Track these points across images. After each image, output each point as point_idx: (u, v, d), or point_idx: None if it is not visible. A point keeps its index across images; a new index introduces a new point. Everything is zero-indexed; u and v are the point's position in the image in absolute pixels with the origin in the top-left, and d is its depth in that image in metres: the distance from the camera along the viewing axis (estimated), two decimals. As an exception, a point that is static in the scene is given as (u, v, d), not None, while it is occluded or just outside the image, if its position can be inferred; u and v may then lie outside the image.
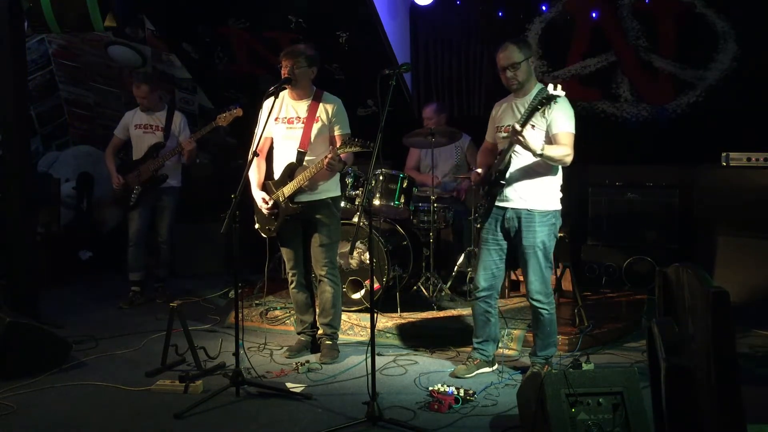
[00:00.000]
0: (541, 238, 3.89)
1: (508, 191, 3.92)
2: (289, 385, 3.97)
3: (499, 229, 4.00)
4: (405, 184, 5.15)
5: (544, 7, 6.37)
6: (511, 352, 4.56)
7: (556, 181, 3.97)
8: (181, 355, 4.34)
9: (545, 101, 3.62)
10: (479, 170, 4.12)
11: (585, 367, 4.00)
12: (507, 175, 3.88)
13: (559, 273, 5.19)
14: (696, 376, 1.91)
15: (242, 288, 5.37)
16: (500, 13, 6.54)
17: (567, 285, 5.19)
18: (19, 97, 5.13)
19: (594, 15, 6.28)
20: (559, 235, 5.31)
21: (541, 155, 3.73)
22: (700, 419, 1.91)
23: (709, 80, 6.09)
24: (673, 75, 6.21)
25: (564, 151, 3.78)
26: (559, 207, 3.99)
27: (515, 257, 4.06)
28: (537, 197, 3.90)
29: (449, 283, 5.47)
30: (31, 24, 5.16)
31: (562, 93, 3.59)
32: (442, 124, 5.79)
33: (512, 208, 3.93)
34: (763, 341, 4.67)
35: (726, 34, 5.93)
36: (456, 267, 5.55)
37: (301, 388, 3.92)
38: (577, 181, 6.35)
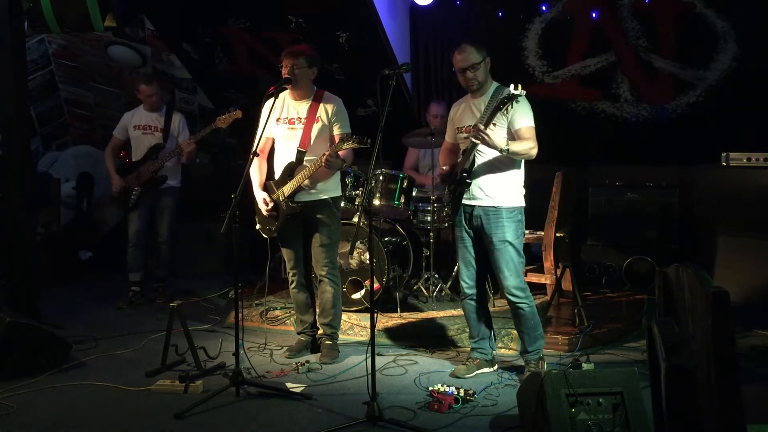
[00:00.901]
0: (510, 234, 3.93)
1: (474, 189, 3.96)
2: (289, 385, 3.97)
3: (468, 225, 4.04)
4: (405, 184, 5.15)
5: (544, 7, 6.37)
6: (511, 352, 4.56)
7: (519, 177, 4.02)
8: (181, 355, 4.34)
9: (507, 101, 3.69)
10: (445, 167, 4.14)
11: (585, 367, 3.99)
12: (472, 173, 3.93)
13: (559, 273, 5.19)
14: (696, 376, 1.91)
15: (242, 288, 5.37)
16: (500, 13, 6.54)
17: (567, 285, 5.19)
18: (19, 97, 5.13)
19: (594, 15, 6.28)
20: (559, 235, 5.36)
21: (507, 151, 3.78)
22: (700, 419, 1.91)
23: (709, 80, 6.09)
24: (673, 75, 6.21)
25: (528, 144, 3.85)
26: (523, 204, 4.04)
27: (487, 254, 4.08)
28: (503, 194, 3.95)
29: (449, 283, 5.47)
30: (31, 24, 5.16)
31: (523, 92, 3.68)
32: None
33: (479, 206, 3.97)
34: (763, 341, 4.67)
35: (726, 34, 5.93)
36: (456, 267, 5.54)
37: (301, 388, 3.92)
38: (577, 181, 6.37)
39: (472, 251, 4.08)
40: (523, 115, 3.88)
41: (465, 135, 4.00)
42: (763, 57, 5.81)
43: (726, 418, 1.75)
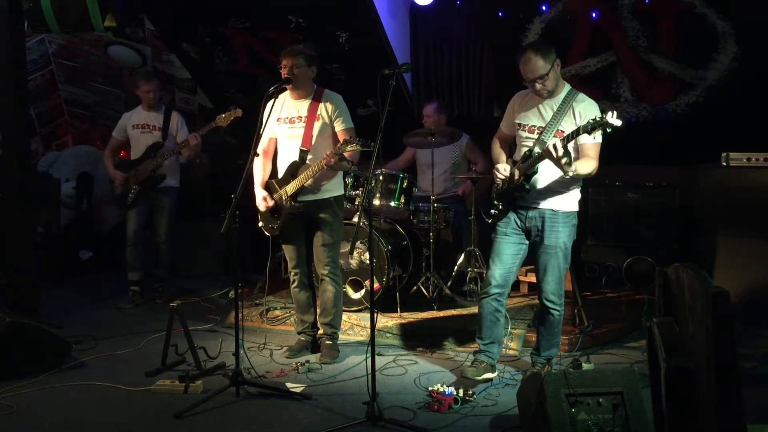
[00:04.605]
0: (563, 239, 3.86)
1: (532, 192, 3.85)
2: (289, 385, 3.97)
3: (519, 226, 3.95)
4: (405, 184, 5.16)
5: (544, 7, 6.36)
6: (511, 352, 4.56)
7: (579, 184, 3.94)
8: (181, 355, 4.34)
9: (596, 127, 3.43)
10: (504, 167, 3.96)
11: (585, 367, 4.00)
12: (532, 180, 3.82)
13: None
14: (696, 376, 1.91)
15: (242, 288, 5.37)
16: (500, 13, 6.54)
17: (567, 285, 5.16)
18: (19, 97, 5.13)
19: (594, 15, 6.27)
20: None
21: (574, 172, 3.64)
22: (700, 419, 1.91)
23: (709, 80, 6.09)
24: (673, 75, 6.21)
25: (592, 166, 3.73)
26: (578, 208, 3.96)
27: (529, 256, 4.03)
28: (561, 198, 3.87)
29: (449, 283, 5.46)
30: (31, 24, 5.17)
31: (619, 122, 3.39)
32: (441, 123, 5.79)
33: (535, 208, 3.88)
34: (763, 341, 4.67)
35: (726, 34, 5.93)
36: (456, 267, 5.55)
37: (301, 388, 3.92)
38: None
39: (511, 250, 3.95)
40: None
41: (528, 135, 3.86)
42: (763, 57, 5.81)
43: (726, 418, 1.75)
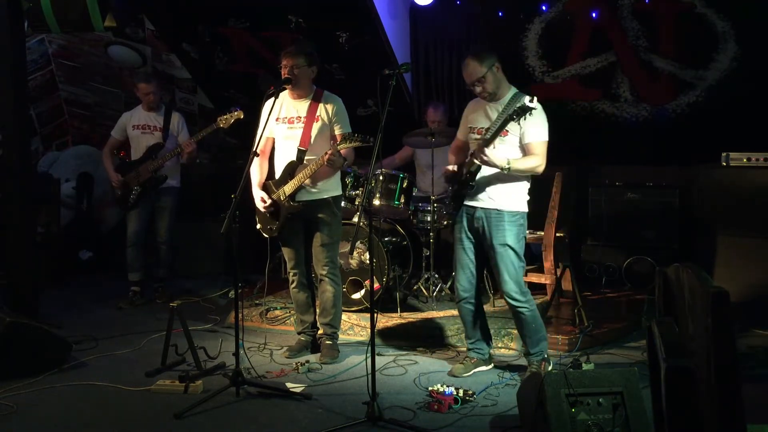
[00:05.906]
0: (511, 237, 3.91)
1: (478, 191, 3.94)
2: (289, 385, 3.98)
3: (468, 227, 4.02)
4: (405, 184, 5.16)
5: (544, 7, 6.36)
6: (511, 352, 4.56)
7: (524, 183, 3.98)
8: (181, 355, 4.34)
9: (519, 114, 3.64)
10: (451, 167, 4.09)
11: (585, 367, 4.00)
12: (477, 177, 3.91)
13: (559, 273, 5.19)
14: (696, 376, 1.91)
15: (242, 288, 5.37)
16: (500, 13, 6.53)
17: (567, 285, 5.19)
18: (19, 97, 5.13)
19: (594, 15, 6.27)
20: (559, 235, 5.36)
21: (508, 170, 3.76)
22: (700, 419, 1.91)
23: (709, 80, 6.08)
24: (673, 75, 6.20)
25: (534, 162, 3.81)
26: (526, 209, 4.00)
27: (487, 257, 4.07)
28: (506, 198, 3.92)
29: (449, 283, 5.46)
30: (31, 24, 5.17)
31: (538, 106, 3.64)
32: (443, 124, 5.80)
33: (481, 208, 3.95)
34: (763, 341, 4.67)
35: (726, 34, 5.92)
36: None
37: (301, 388, 3.92)
38: (577, 181, 6.36)
39: (470, 254, 4.06)
40: (535, 129, 3.81)
41: (476, 137, 3.95)
42: (763, 57, 5.80)
43: (726, 418, 1.75)
